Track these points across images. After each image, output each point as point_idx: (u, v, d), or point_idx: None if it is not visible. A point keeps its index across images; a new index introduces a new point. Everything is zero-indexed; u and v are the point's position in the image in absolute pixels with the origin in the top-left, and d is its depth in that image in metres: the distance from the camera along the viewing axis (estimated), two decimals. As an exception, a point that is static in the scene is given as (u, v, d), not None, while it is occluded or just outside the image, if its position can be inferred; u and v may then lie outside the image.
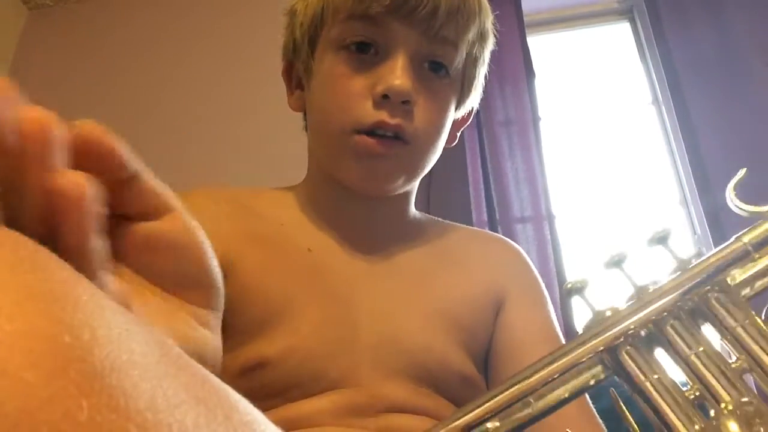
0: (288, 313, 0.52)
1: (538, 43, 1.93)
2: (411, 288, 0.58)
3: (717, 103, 1.62)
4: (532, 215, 1.59)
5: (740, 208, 0.33)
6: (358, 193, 0.59)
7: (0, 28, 2.08)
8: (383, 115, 0.53)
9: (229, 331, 0.52)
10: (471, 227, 0.74)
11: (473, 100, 0.65)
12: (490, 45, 0.63)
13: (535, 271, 0.67)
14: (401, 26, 0.53)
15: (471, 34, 0.58)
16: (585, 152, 1.87)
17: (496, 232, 1.50)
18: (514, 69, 1.75)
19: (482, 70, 0.64)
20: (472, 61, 0.61)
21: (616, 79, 1.94)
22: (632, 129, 1.87)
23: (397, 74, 0.52)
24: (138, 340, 0.19)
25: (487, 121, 1.70)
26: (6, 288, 0.16)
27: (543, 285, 0.67)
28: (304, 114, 0.66)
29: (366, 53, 0.55)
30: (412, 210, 0.66)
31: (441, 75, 0.57)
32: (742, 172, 0.32)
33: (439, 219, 0.71)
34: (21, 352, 0.15)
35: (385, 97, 0.52)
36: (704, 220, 1.55)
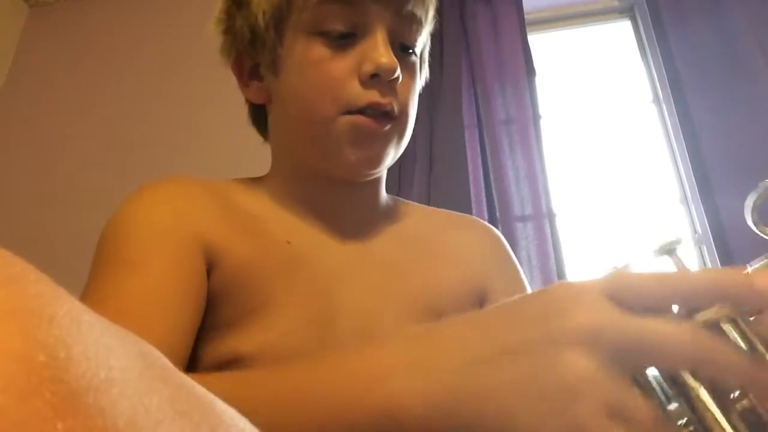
0: (266, 309, 0.51)
1: (538, 42, 1.93)
2: (390, 282, 0.57)
3: (718, 101, 1.61)
4: (533, 213, 1.59)
5: (764, 233, 0.30)
6: (343, 179, 0.58)
7: (0, 25, 2.07)
8: (375, 96, 0.53)
9: (208, 324, 0.51)
10: (445, 210, 0.72)
11: (424, 76, 0.65)
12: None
13: (514, 257, 0.67)
14: (377, 7, 0.54)
15: (431, 13, 0.59)
16: (586, 150, 1.87)
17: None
18: (515, 67, 1.75)
19: (429, 47, 0.65)
20: (427, 40, 0.62)
21: (616, 78, 1.94)
22: (633, 127, 1.87)
23: (382, 52, 0.52)
24: (118, 354, 0.18)
25: (488, 120, 1.70)
26: None
27: (522, 272, 0.66)
28: (252, 106, 0.64)
29: (345, 38, 0.54)
30: (384, 194, 0.65)
31: (409, 53, 0.58)
32: (762, 187, 0.30)
33: (409, 201, 0.70)
34: None
35: (373, 76, 0.53)
36: (705, 218, 1.55)
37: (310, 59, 0.54)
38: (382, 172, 0.62)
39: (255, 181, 0.63)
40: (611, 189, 1.79)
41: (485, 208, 1.61)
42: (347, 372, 0.34)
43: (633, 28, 1.96)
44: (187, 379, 0.21)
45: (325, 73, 0.53)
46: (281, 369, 0.38)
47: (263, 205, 0.59)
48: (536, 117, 1.70)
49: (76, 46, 2.07)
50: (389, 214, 0.64)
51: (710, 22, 1.70)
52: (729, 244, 1.47)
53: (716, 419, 0.25)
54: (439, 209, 0.72)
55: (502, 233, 0.72)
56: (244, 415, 0.22)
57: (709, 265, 1.58)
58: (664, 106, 1.81)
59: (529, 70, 1.76)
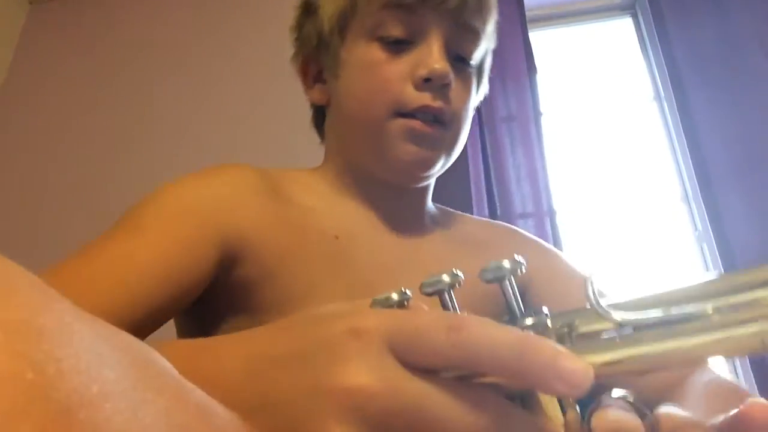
0: (309, 300, 0.51)
1: (540, 39, 1.92)
2: None
3: (719, 99, 1.61)
4: (534, 211, 1.59)
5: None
6: (393, 182, 0.59)
7: (1, 22, 2.07)
8: (426, 99, 0.54)
9: (244, 311, 0.51)
10: (488, 219, 0.75)
11: (483, 91, 0.66)
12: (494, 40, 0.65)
13: (564, 263, 0.66)
14: (434, 16, 0.55)
15: (490, 26, 0.60)
16: (587, 148, 1.86)
17: (498, 227, 1.50)
18: (516, 64, 1.75)
19: (490, 63, 0.66)
20: (486, 54, 0.63)
21: (618, 75, 1.94)
22: (634, 125, 1.86)
23: (436, 58, 0.54)
24: (110, 364, 0.17)
25: (489, 117, 1.70)
26: None
27: (562, 255, 0.66)
28: (316, 109, 0.66)
29: (402, 44, 0.56)
30: (430, 201, 0.67)
31: (465, 65, 0.59)
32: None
33: (452, 210, 0.72)
34: None
35: (426, 80, 0.54)
36: (705, 216, 1.55)
37: (367, 62, 0.57)
38: (431, 181, 0.64)
39: (309, 173, 0.64)
40: (612, 186, 1.79)
41: (486, 206, 1.61)
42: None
43: (634, 25, 1.96)
44: (185, 386, 0.21)
45: (381, 75, 0.56)
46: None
47: (317, 199, 0.60)
48: (537, 114, 1.70)
49: (77, 43, 2.06)
50: (437, 219, 0.66)
51: (712, 19, 1.70)
52: (730, 242, 1.47)
53: None
54: (483, 218, 0.75)
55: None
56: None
57: (710, 263, 1.59)
58: (665, 104, 1.80)
59: (531, 67, 1.75)
